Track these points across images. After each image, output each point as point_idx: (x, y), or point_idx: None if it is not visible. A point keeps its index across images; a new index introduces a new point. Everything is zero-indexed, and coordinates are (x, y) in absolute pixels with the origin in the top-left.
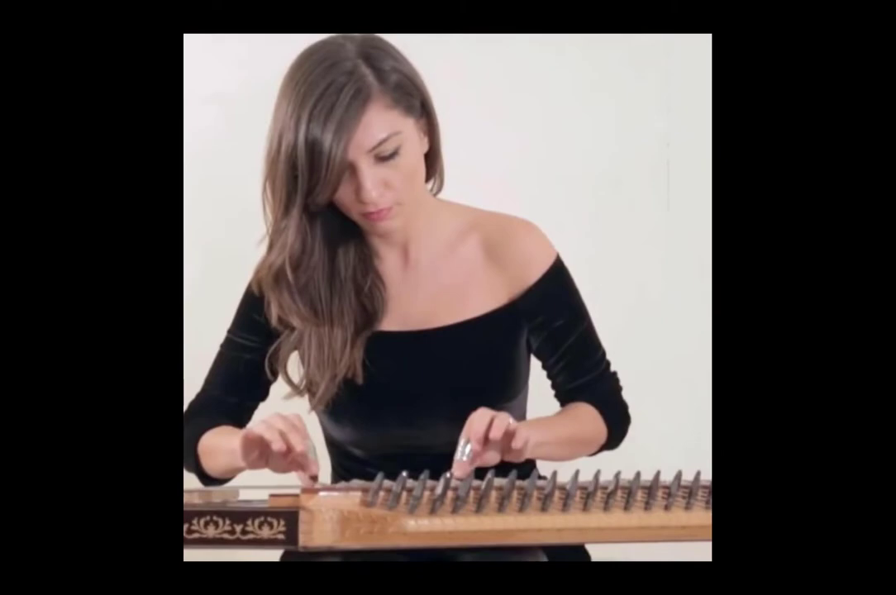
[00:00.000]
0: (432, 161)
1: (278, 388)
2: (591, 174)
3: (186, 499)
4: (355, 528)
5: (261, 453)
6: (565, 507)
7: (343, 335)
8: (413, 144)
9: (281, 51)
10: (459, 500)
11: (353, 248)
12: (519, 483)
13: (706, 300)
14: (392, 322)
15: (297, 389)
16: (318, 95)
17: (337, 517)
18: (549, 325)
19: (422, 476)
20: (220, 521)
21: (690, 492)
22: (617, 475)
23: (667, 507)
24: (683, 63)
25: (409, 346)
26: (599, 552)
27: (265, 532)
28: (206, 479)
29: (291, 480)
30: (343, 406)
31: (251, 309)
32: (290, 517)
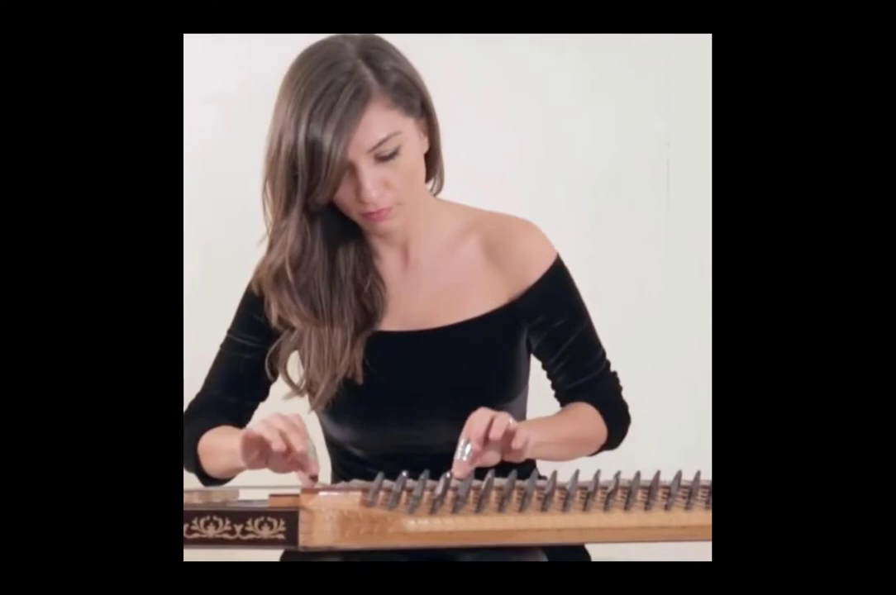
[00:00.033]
0: (432, 161)
1: (278, 388)
2: (591, 174)
3: (186, 499)
4: (355, 528)
5: (261, 453)
6: (565, 507)
7: (343, 335)
8: (413, 144)
9: (281, 51)
10: (459, 500)
11: (353, 248)
12: (519, 483)
13: (706, 300)
14: (392, 322)
15: (297, 389)
16: (318, 95)
17: (337, 517)
18: (549, 325)
19: (422, 476)
20: (220, 521)
21: (690, 492)
22: (617, 475)
23: (667, 507)
24: (683, 63)
25: (409, 346)
26: (599, 552)
27: (265, 532)
28: (206, 479)
29: (291, 480)
30: (343, 406)
31: (251, 309)
32: (290, 517)
